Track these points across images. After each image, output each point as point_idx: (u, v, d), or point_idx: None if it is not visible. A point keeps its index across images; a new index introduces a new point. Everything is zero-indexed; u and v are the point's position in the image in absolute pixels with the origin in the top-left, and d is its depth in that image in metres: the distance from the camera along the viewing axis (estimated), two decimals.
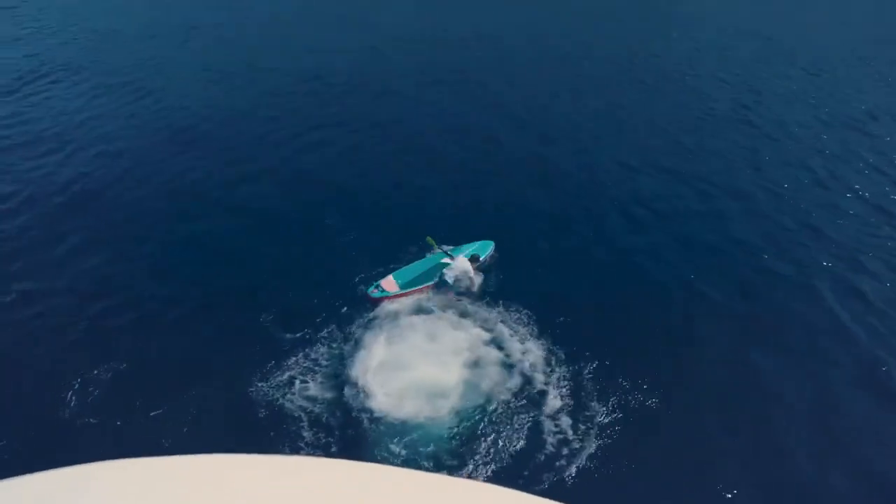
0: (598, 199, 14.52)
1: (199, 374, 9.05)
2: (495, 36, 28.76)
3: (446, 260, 11.20)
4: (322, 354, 9.43)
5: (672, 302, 11.11)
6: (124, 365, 9.23)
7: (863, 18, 34.90)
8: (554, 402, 8.71)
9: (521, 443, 8.12)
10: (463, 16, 33.08)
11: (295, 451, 7.90)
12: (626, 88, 22.11)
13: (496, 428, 8.33)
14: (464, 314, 10.32)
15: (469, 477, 7.60)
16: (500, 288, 11.05)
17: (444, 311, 10.41)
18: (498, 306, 10.52)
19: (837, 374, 9.64)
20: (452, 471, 7.72)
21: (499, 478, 7.66)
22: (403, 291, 10.67)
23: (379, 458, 7.83)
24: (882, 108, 20.74)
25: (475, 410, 8.57)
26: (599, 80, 23.14)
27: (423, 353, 9.33)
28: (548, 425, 8.37)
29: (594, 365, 9.37)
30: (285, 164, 15.82)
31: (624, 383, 9.11)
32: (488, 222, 12.96)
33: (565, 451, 8.02)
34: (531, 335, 9.88)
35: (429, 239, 11.70)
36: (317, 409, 8.52)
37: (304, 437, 8.12)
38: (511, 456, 7.96)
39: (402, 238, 12.27)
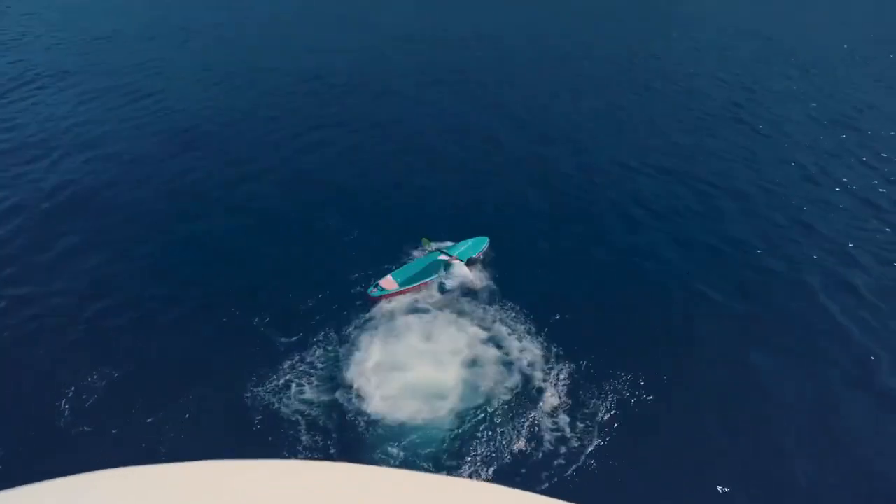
0: (597, 198, 14.52)
1: (197, 378, 9.03)
2: (495, 36, 28.78)
3: (443, 257, 11.30)
4: (318, 357, 9.41)
5: (670, 300, 11.09)
6: (121, 369, 9.21)
7: (863, 18, 34.91)
8: (553, 400, 8.70)
9: (521, 442, 8.10)
10: (463, 16, 33.10)
11: (293, 455, 7.87)
12: (626, 88, 22.11)
13: (495, 428, 8.30)
14: (461, 313, 10.31)
15: (469, 477, 7.59)
16: (499, 287, 11.04)
17: (441, 310, 10.40)
18: (495, 305, 10.51)
19: (835, 372, 9.62)
20: (452, 471, 7.70)
21: (499, 478, 7.65)
22: (402, 289, 10.72)
23: (377, 460, 7.80)
24: (883, 107, 20.73)
25: (474, 410, 8.55)
26: (599, 80, 23.14)
27: (420, 353, 9.31)
28: (547, 424, 8.35)
29: (593, 363, 9.36)
30: (285, 164, 15.82)
31: (622, 381, 9.10)
32: (488, 222, 12.96)
33: (564, 449, 8.00)
34: (529, 333, 9.87)
35: (424, 240, 11.84)
36: (314, 413, 8.48)
37: (301, 441, 8.09)
38: (511, 456, 7.94)
39: (402, 238, 12.27)
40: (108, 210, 13.59)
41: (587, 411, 8.60)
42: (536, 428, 8.30)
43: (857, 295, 11.32)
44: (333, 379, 9.00)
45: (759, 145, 17.57)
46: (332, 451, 7.97)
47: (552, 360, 9.40)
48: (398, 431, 8.19)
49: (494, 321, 10.11)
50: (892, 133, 18.54)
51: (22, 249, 12.14)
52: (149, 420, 8.34)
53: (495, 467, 7.79)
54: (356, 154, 16.51)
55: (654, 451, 8.13)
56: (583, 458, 7.92)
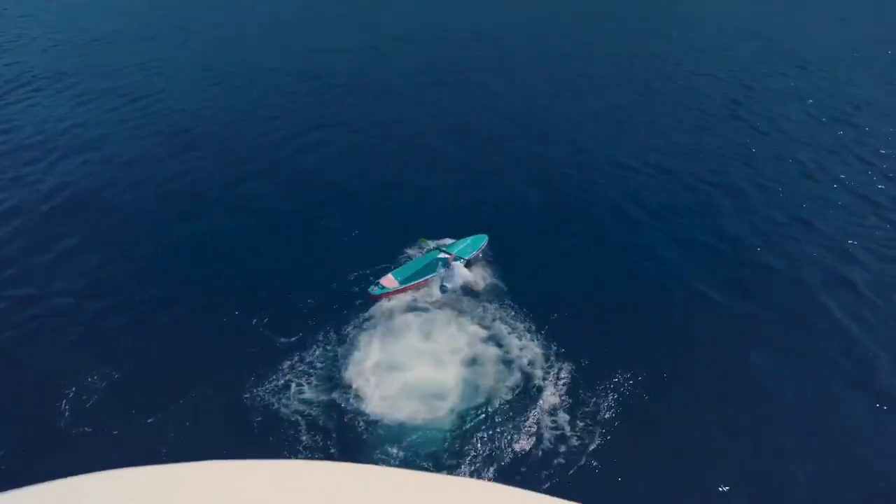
0: (597, 197, 14.52)
1: (197, 378, 9.03)
2: (495, 36, 28.77)
3: (442, 255, 11.36)
4: (318, 357, 9.40)
5: (670, 299, 11.09)
6: (121, 369, 9.21)
7: (862, 18, 34.91)
8: (553, 399, 8.69)
9: (521, 441, 8.09)
10: (463, 16, 33.09)
11: (293, 455, 7.86)
12: (626, 88, 22.10)
13: (495, 427, 8.30)
14: (461, 312, 10.31)
15: (470, 477, 7.58)
16: (498, 285, 11.05)
17: (440, 308, 10.41)
18: (495, 303, 10.52)
19: (834, 371, 9.62)
20: (452, 471, 7.70)
21: (499, 477, 7.64)
22: (403, 286, 10.75)
23: (378, 460, 7.79)
24: (881, 104, 20.72)
25: (474, 409, 8.54)
26: (599, 79, 23.13)
27: (420, 352, 9.31)
28: (547, 423, 8.34)
29: (593, 362, 9.35)
30: (285, 164, 15.82)
31: (622, 379, 9.10)
32: (488, 221, 12.95)
33: (564, 448, 8.00)
34: (529, 332, 9.86)
35: (422, 240, 11.91)
36: (314, 413, 8.47)
37: (301, 441, 8.08)
38: (511, 454, 7.93)
39: (401, 238, 12.28)
40: (108, 210, 13.58)
41: (587, 410, 8.60)
42: (537, 427, 8.30)
43: (856, 292, 11.32)
44: (333, 379, 8.99)
45: (758, 143, 17.56)
46: (332, 450, 7.96)
47: (552, 358, 9.39)
48: (398, 431, 8.19)
49: (494, 320, 10.11)
50: (891, 129, 18.53)
51: (22, 251, 12.13)
52: (149, 420, 8.33)
53: (496, 466, 7.79)
54: (356, 154, 16.51)
55: (653, 450, 8.13)
56: (583, 456, 7.92)
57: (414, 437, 8.12)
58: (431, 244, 11.80)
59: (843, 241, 12.87)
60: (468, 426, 8.32)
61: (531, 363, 9.26)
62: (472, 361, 9.29)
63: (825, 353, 9.97)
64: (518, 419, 8.41)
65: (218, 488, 2.02)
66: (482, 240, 12.06)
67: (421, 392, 8.69)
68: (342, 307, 10.45)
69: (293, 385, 8.88)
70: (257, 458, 2.13)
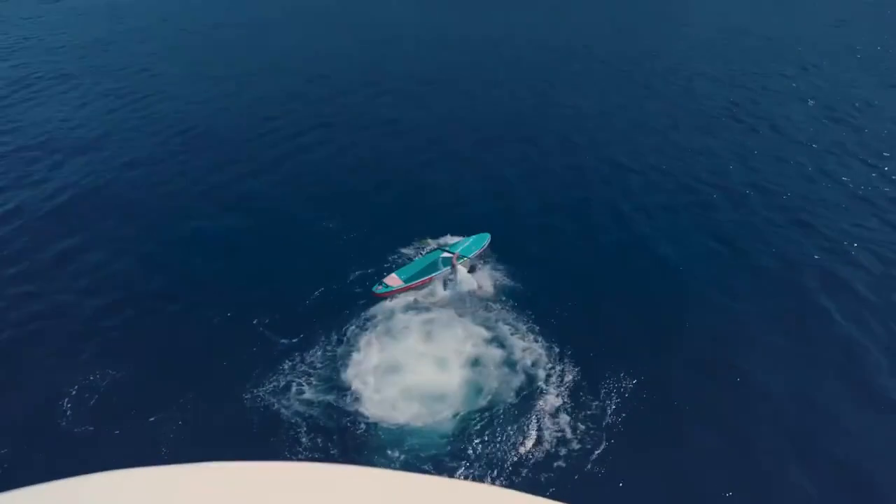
0: (597, 197, 14.48)
1: (197, 378, 9.00)
2: (495, 36, 28.77)
3: (445, 255, 11.35)
4: (318, 357, 9.36)
5: (674, 302, 11.03)
6: (121, 369, 9.18)
7: (862, 17, 34.90)
8: (555, 401, 8.61)
9: (524, 444, 8.00)
10: (463, 16, 33.11)
11: (293, 456, 7.80)
12: (625, 88, 22.08)
13: (497, 430, 8.22)
14: (462, 312, 10.28)
15: (471, 480, 7.56)
16: (501, 285, 11.02)
17: (442, 309, 10.37)
18: (498, 304, 10.48)
19: (834, 371, 9.59)
20: (454, 473, 7.66)
21: (501, 480, 7.60)
22: (407, 285, 10.76)
23: (378, 463, 7.74)
24: (882, 105, 20.71)
25: (475, 412, 8.48)
26: (599, 80, 23.13)
27: (421, 353, 9.26)
28: (550, 426, 8.26)
29: (596, 364, 9.28)
30: (285, 164, 15.82)
31: (626, 382, 9.01)
32: (488, 221, 12.92)
33: (566, 451, 7.93)
34: (532, 332, 9.80)
35: (424, 240, 11.93)
36: (314, 414, 8.41)
37: (302, 443, 8.03)
38: (513, 458, 7.86)
39: (402, 237, 12.26)
40: (109, 210, 13.59)
41: (590, 413, 8.53)
42: (539, 430, 8.23)
43: (856, 294, 11.26)
44: (334, 380, 8.96)
45: (758, 144, 17.52)
46: (332, 452, 7.92)
47: (555, 359, 9.33)
48: (399, 433, 8.15)
49: (497, 320, 10.06)
50: (891, 131, 18.49)
51: (23, 250, 12.14)
52: (149, 420, 8.31)
53: (497, 470, 7.73)
54: (356, 153, 16.51)
55: (655, 454, 8.06)
56: (585, 460, 7.85)
57: (415, 439, 8.07)
58: (433, 244, 11.80)
59: (844, 242, 12.84)
60: (470, 429, 8.26)
61: (534, 364, 9.20)
62: (474, 363, 9.23)
63: (824, 353, 9.93)
64: (520, 422, 8.33)
65: (218, 489, 2.01)
66: (485, 238, 12.04)
67: (422, 394, 8.64)
68: (343, 307, 10.42)
69: (293, 386, 8.85)
70: (257, 460, 2.12)
